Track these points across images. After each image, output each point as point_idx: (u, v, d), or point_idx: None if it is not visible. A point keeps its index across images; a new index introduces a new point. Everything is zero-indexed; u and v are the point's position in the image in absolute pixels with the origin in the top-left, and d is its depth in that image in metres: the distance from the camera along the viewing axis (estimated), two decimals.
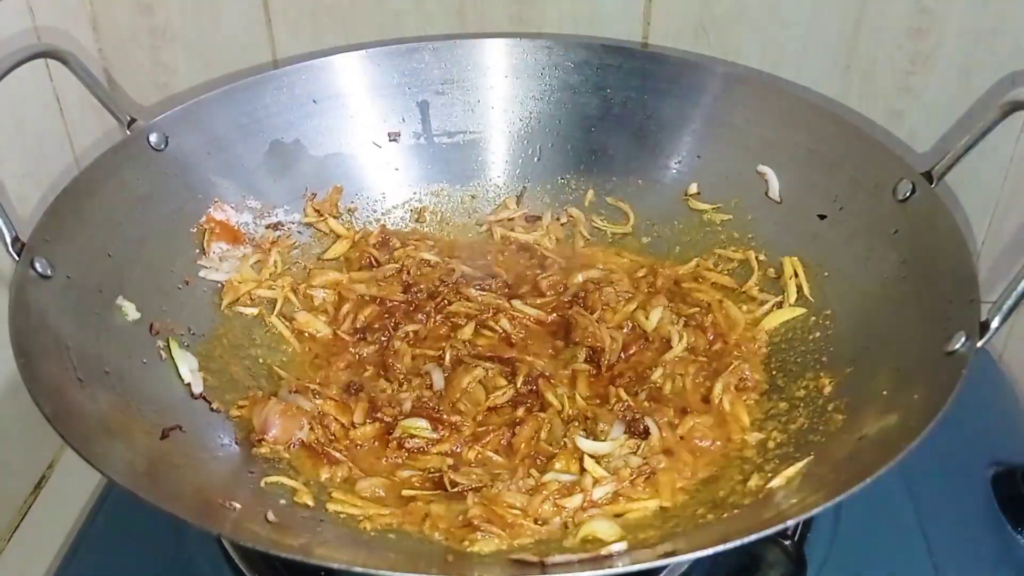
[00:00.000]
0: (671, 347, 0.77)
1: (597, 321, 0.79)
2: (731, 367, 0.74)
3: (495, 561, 0.61)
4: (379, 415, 0.73)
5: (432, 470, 0.69)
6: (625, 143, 0.89)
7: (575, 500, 0.65)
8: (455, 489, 0.67)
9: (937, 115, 0.89)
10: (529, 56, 0.89)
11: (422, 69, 0.89)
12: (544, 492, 0.65)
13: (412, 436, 0.71)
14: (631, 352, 0.78)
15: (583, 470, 0.68)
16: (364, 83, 0.88)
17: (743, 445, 0.70)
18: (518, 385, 0.75)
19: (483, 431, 0.72)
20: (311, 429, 0.71)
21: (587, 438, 0.70)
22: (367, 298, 0.82)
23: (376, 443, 0.72)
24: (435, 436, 0.71)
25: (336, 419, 0.72)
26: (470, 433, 0.72)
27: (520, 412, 0.73)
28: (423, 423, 0.72)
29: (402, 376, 0.76)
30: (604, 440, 0.70)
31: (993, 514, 0.76)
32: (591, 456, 0.68)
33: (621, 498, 0.66)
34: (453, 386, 0.74)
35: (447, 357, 0.77)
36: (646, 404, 0.73)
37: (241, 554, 0.70)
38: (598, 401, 0.74)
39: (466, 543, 0.62)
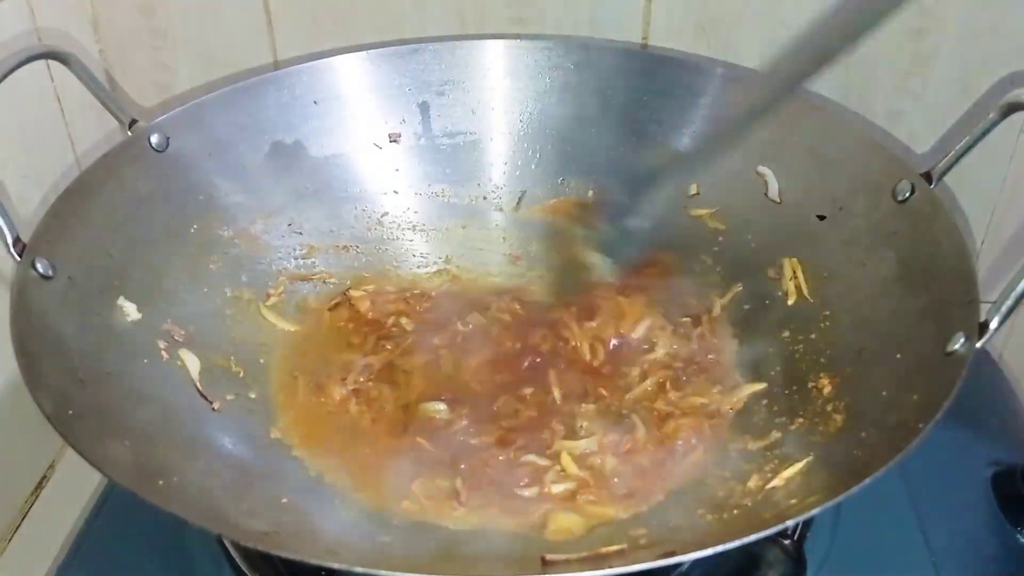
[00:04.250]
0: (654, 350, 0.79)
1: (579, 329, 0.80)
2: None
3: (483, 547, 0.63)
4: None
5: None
6: (625, 143, 0.89)
7: (532, 490, 0.67)
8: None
9: (937, 115, 0.89)
10: (529, 57, 0.89)
11: (422, 70, 0.89)
12: (517, 472, 0.68)
13: (431, 418, 0.74)
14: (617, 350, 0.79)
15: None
16: (365, 84, 0.88)
17: (744, 444, 0.70)
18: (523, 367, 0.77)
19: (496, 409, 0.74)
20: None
21: (563, 436, 0.72)
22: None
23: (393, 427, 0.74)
24: (452, 416, 0.74)
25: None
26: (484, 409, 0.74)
27: (528, 391, 0.75)
28: (441, 405, 0.74)
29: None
30: (586, 436, 0.72)
31: (993, 514, 0.76)
32: (569, 454, 0.70)
33: (581, 497, 0.67)
34: (464, 367, 0.77)
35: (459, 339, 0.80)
36: (630, 401, 0.74)
37: (241, 554, 0.70)
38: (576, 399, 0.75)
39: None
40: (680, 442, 0.71)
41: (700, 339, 0.79)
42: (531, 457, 0.70)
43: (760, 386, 0.74)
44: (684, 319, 0.81)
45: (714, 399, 0.74)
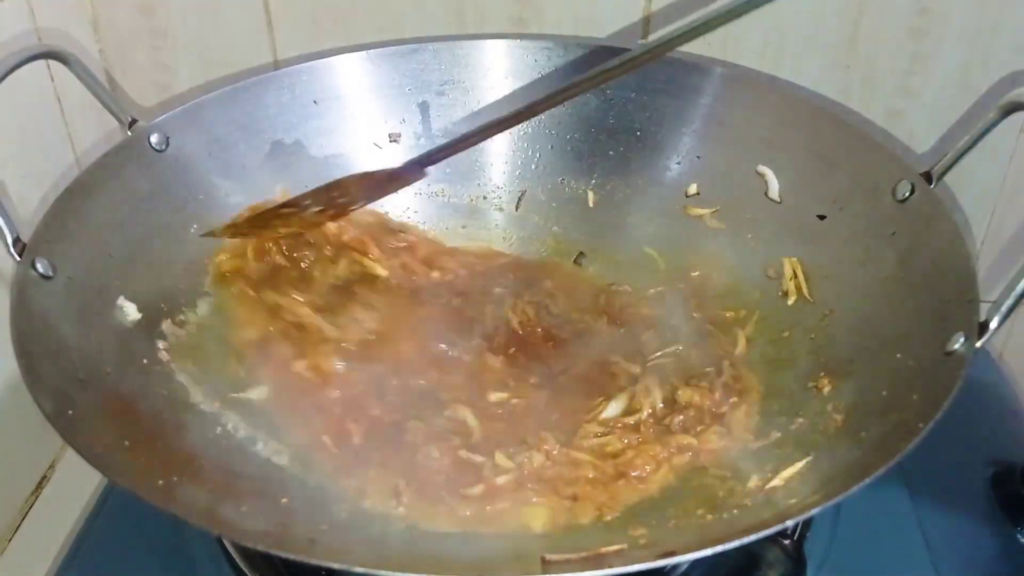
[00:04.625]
0: None
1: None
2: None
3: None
4: None
5: None
6: (625, 144, 0.89)
7: (477, 488, 0.66)
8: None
9: (937, 115, 0.89)
10: (529, 57, 0.89)
11: (422, 70, 0.89)
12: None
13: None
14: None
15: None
16: (365, 84, 0.88)
17: (743, 444, 0.70)
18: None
19: None
20: None
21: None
22: None
23: None
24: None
25: None
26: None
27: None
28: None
29: None
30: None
31: (993, 514, 0.76)
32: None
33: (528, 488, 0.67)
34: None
35: None
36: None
37: (242, 554, 0.70)
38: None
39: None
40: (635, 471, 0.68)
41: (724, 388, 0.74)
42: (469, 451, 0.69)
43: (762, 443, 0.70)
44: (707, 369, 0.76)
45: (706, 440, 0.70)
